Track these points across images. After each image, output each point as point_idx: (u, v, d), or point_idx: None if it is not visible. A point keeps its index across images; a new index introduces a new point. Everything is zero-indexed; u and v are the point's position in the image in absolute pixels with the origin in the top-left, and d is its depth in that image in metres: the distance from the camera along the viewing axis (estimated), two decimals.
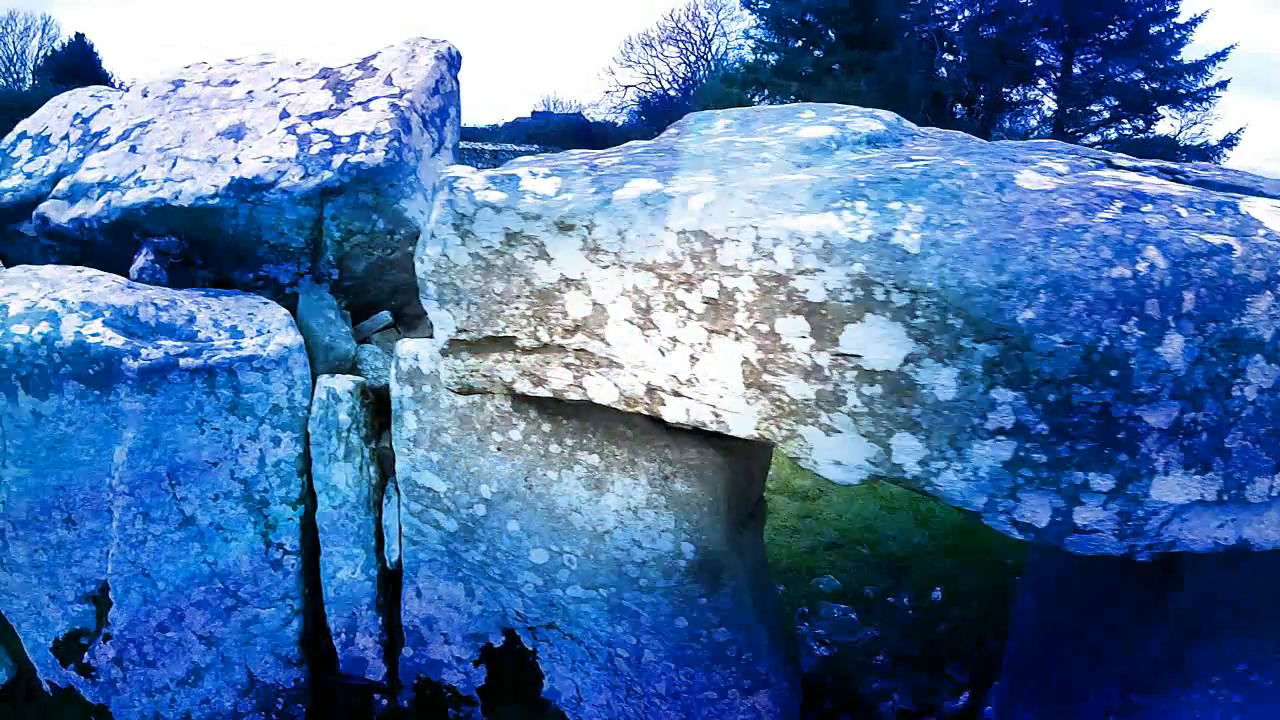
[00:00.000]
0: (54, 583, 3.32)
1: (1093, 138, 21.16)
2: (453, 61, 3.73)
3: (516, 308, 2.45)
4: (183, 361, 3.11)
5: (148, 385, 3.09)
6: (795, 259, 2.13)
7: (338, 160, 3.29)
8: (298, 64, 3.84)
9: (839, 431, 2.22)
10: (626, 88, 32.94)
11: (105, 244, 3.55)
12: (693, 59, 29.79)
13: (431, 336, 2.77)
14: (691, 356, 2.29)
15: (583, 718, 3.25)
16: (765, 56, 23.22)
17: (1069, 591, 3.11)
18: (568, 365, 2.48)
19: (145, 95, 3.88)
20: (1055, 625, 3.14)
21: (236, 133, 3.52)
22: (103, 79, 23.86)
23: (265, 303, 3.39)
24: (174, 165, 3.49)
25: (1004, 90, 20.77)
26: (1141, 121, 21.32)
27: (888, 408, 2.16)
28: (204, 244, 3.47)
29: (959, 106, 19.65)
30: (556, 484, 2.87)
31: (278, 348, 3.18)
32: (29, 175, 3.78)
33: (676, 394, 2.37)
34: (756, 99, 22.40)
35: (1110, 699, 2.76)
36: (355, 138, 3.34)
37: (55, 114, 4.04)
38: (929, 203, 2.15)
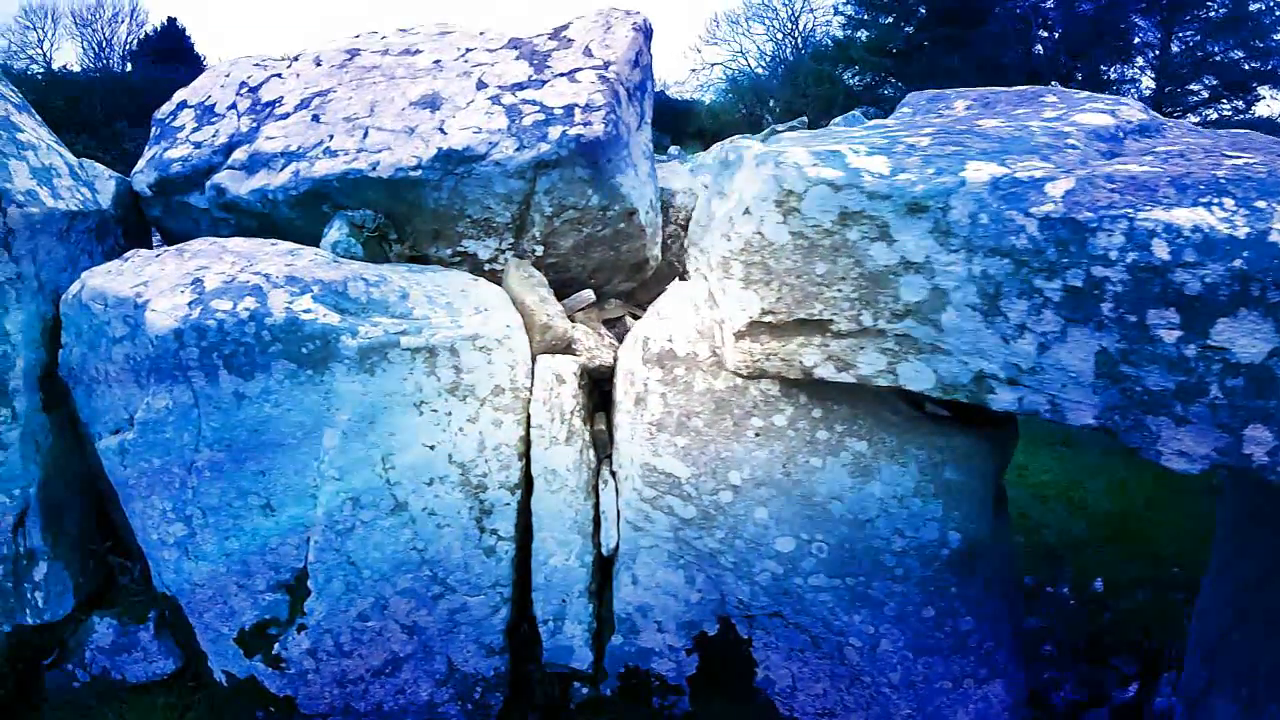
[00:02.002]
0: (245, 571, 3.14)
1: (1192, 118, 20.27)
2: (648, 33, 3.60)
3: (839, 290, 2.37)
4: (404, 340, 2.95)
5: (366, 365, 2.93)
6: (1173, 252, 2.11)
7: (554, 132, 3.15)
8: (481, 34, 3.66)
9: (1191, 423, 2.20)
10: (713, 65, 32.28)
11: (289, 216, 3.35)
12: (780, 36, 29.10)
13: (636, 317, 2.66)
14: (1041, 345, 2.25)
15: (794, 707, 3.21)
16: (855, 33, 22.58)
17: None
18: (884, 351, 2.42)
19: (319, 64, 3.66)
20: (1268, 612, 3.20)
21: (432, 102, 3.34)
22: (196, 61, 24.30)
23: (475, 279, 3.24)
24: (365, 135, 3.31)
25: (1102, 68, 20.00)
26: (1241, 102, 20.37)
27: (1246, 399, 2.16)
28: (400, 217, 3.30)
29: (1055, 84, 19.36)
30: (819, 471, 2.81)
31: (500, 326, 3.04)
32: (197, 145, 3.53)
33: (1012, 382, 2.33)
34: (848, 75, 21.83)
35: None
36: (569, 109, 3.21)
37: (217, 83, 3.78)
38: None
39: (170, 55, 23.46)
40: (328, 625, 3.14)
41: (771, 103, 24.78)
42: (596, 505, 3.15)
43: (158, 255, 3.26)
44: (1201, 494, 4.33)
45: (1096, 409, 2.27)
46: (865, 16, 22.62)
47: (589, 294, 3.41)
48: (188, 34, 25.61)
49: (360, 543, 3.05)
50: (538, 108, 3.23)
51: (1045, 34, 20.08)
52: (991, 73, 16.47)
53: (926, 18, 20.35)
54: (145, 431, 3.09)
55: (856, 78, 22.23)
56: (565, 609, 3.20)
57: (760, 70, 28.62)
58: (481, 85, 3.38)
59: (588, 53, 3.44)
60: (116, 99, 17.83)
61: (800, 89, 22.54)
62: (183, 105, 3.77)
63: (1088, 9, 19.39)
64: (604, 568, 3.23)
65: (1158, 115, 2.98)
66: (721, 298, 2.54)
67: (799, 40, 28.19)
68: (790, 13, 29.10)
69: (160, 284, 3.08)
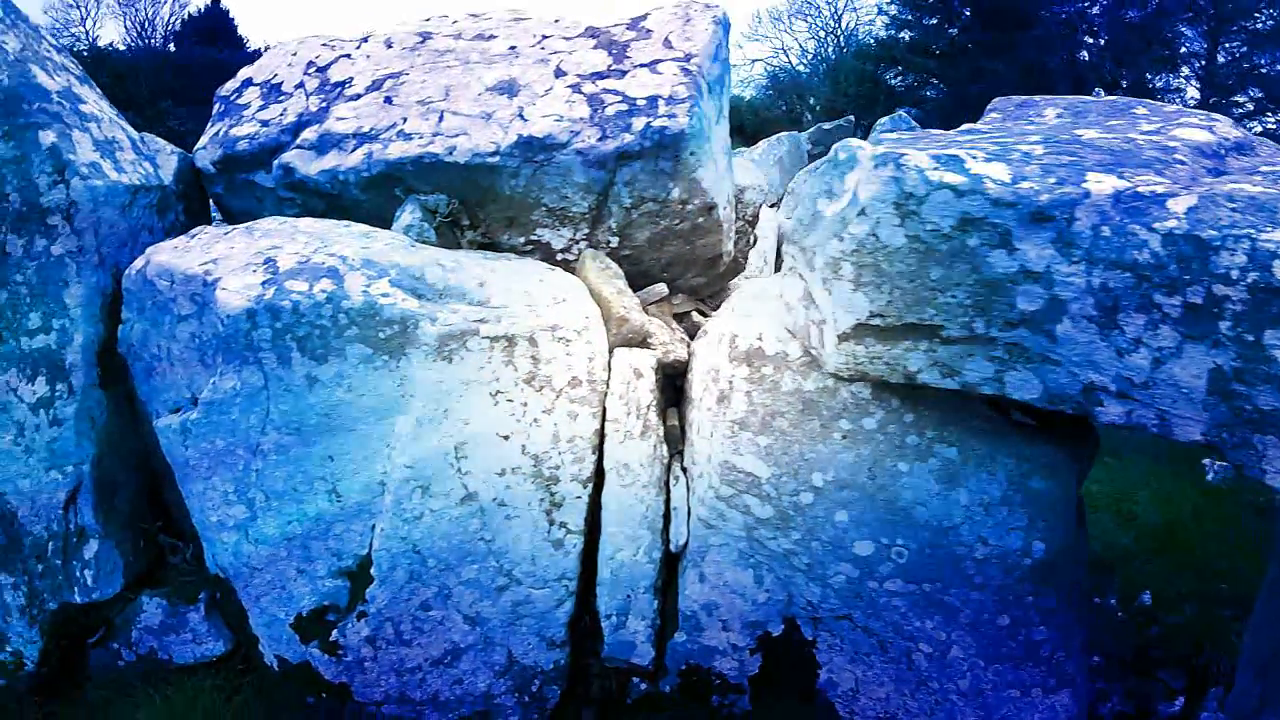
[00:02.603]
0: (306, 557, 3.09)
1: None
2: (726, 27, 3.56)
3: (953, 296, 2.35)
4: (484, 329, 2.91)
5: (445, 353, 2.89)
6: None
7: (638, 123, 3.11)
8: (555, 21, 3.60)
9: None
10: (754, 62, 31.94)
11: (358, 198, 3.29)
12: (822, 34, 28.80)
13: (714, 313, 2.62)
14: (1155, 359, 2.24)
15: (855, 710, 3.20)
16: (899, 33, 22.29)
17: None
18: (993, 359, 2.40)
19: (390, 46, 3.59)
20: None
21: (509, 89, 3.29)
22: (239, 43, 24.56)
23: (552, 269, 3.19)
24: (441, 119, 3.25)
25: (1147, 76, 19.76)
26: None
27: None
28: (474, 203, 3.25)
29: (1100, 91, 18.97)
30: (905, 476, 2.79)
31: (579, 317, 3.00)
32: (264, 123, 3.46)
33: (1122, 395, 2.31)
34: (890, 76, 21.56)
35: None
36: (652, 101, 3.16)
37: (283, 62, 3.70)
38: None
39: (213, 36, 23.64)
40: (389, 613, 3.10)
41: (812, 100, 24.58)
42: (667, 501, 3.11)
43: (226, 233, 3.19)
44: (1245, 509, 4.36)
45: (1204, 425, 2.26)
46: (909, 17, 22.32)
47: (662, 288, 3.37)
48: (231, 16, 25.89)
49: (427, 531, 3.01)
50: (620, 98, 3.18)
51: (1090, 40, 19.80)
52: (1036, 77, 16.27)
53: (971, 20, 20.10)
54: (210, 412, 3.03)
55: (899, 78, 21.98)
56: (630, 604, 3.17)
57: (802, 68, 28.39)
58: (560, 73, 3.33)
59: (668, 44, 3.40)
60: (161, 78, 17.72)
61: (842, 88, 22.38)
62: (248, 83, 3.69)
63: (1134, 16, 19.14)
64: (669, 564, 3.20)
65: (1248, 132, 2.98)
66: (825, 298, 2.51)
67: (841, 38, 27.94)
68: (833, 11, 28.87)
69: (231, 262, 3.01)
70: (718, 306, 3.82)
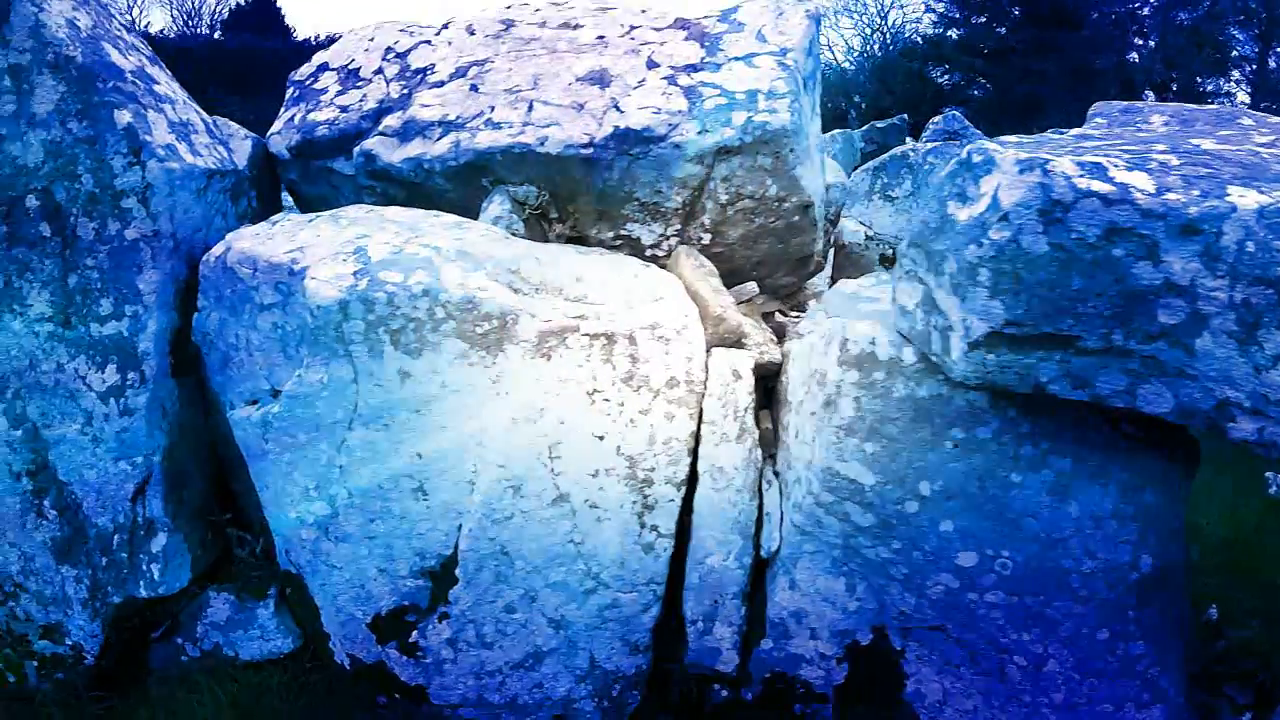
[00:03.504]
0: (388, 555, 3.01)
1: None
2: (818, 21, 3.49)
3: (1093, 307, 2.29)
4: (585, 325, 2.83)
5: (544, 350, 2.81)
6: None
7: (738, 118, 3.04)
8: (643, 11, 3.52)
9: None
10: None
11: (443, 187, 3.20)
12: (868, 31, 28.46)
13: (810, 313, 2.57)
14: None
15: None
16: (947, 31, 22.03)
17: None
18: (1128, 371, 2.34)
19: (472, 33, 3.49)
20: None
21: (600, 79, 3.20)
22: (286, 32, 24.72)
23: (647, 265, 3.12)
24: (530, 109, 3.16)
25: (1198, 80, 19.56)
26: None
27: None
28: (563, 196, 3.16)
29: (1149, 94, 18.65)
30: (1016, 487, 2.74)
31: (679, 316, 2.93)
32: (343, 109, 3.36)
33: (1256, 412, 2.26)
34: (937, 74, 21.26)
35: None
36: (751, 95, 3.09)
37: (360, 47, 3.60)
38: None
39: (261, 26, 23.72)
40: (472, 615, 3.02)
41: (857, 98, 24.34)
42: (760, 506, 3.05)
43: (310, 220, 3.10)
44: None
45: None
46: (957, 15, 22.00)
47: (753, 287, 3.30)
48: (278, 5, 25.89)
49: (517, 533, 2.94)
50: (719, 91, 3.10)
51: (1140, 42, 19.55)
52: (1085, 78, 16.13)
53: (1020, 19, 19.86)
54: (293, 405, 2.94)
55: (945, 77, 21.72)
56: (717, 610, 3.11)
57: (847, 65, 28.01)
58: (652, 64, 3.25)
59: (761, 38, 3.32)
60: (210, 66, 17.58)
61: (888, 86, 22.18)
62: (324, 68, 3.59)
63: (1185, 18, 18.92)
64: (757, 570, 3.15)
65: None
66: (953, 304, 2.45)
67: (887, 36, 27.59)
68: (880, 8, 28.50)
69: (318, 251, 2.92)
70: (796, 306, 3.75)
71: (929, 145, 6.65)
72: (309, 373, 2.90)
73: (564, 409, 2.85)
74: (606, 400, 2.87)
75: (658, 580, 3.05)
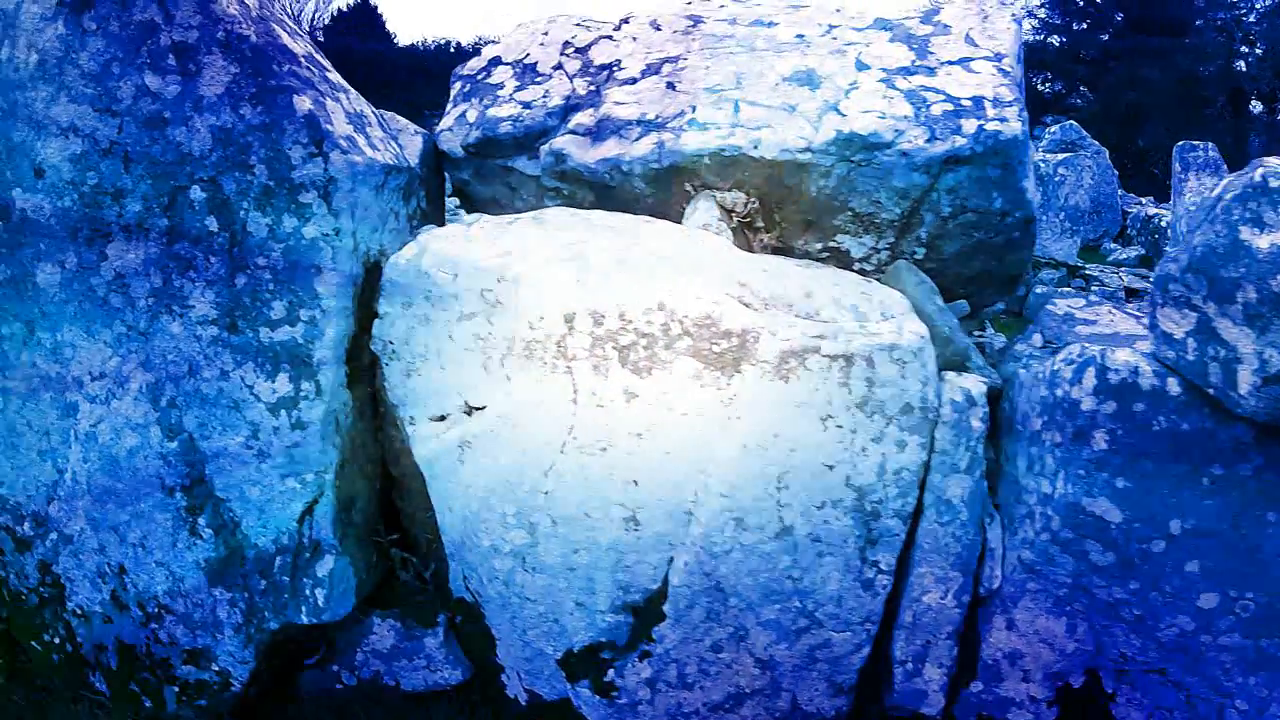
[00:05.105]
0: (588, 589, 2.79)
1: None
2: (1021, 25, 3.31)
3: None
4: (825, 346, 2.63)
5: (782, 371, 2.61)
6: None
7: (968, 125, 2.85)
8: (838, 10, 3.32)
9: None
10: None
11: (640, 191, 2.99)
12: None
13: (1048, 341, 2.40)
14: None
15: None
16: (1048, 37, 21.42)
17: None
18: None
19: (657, 28, 3.28)
20: None
21: (808, 79, 3.00)
22: (387, 37, 24.92)
23: (869, 281, 2.92)
24: (737, 109, 2.96)
25: None
26: None
27: None
28: (771, 203, 2.96)
29: (1256, 104, 18.08)
30: (1272, 526, 2.58)
31: (914, 337, 2.73)
32: (526, 105, 3.13)
33: None
34: (1038, 82, 20.65)
35: None
36: (977, 102, 2.90)
37: (534, 41, 3.37)
38: None
39: (363, 31, 24.01)
40: (677, 655, 2.82)
41: None
42: (984, 541, 2.87)
43: (510, 223, 2.88)
44: None
45: None
46: (1059, 21, 21.45)
47: (965, 305, 3.12)
48: (379, 10, 26.19)
49: (735, 567, 2.74)
50: (943, 97, 2.91)
51: (1247, 50, 19.05)
52: (1190, 87, 15.78)
53: (1123, 26, 19.42)
54: (499, 424, 2.72)
55: (1047, 85, 21.30)
56: (928, 650, 2.93)
57: None
58: (862, 66, 3.05)
59: (970, 41, 3.14)
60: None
61: None
62: (496, 61, 3.36)
63: None
64: (971, 608, 2.97)
65: None
66: (1244, 335, 2.29)
67: None
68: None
69: (531, 257, 2.70)
70: (980, 326, 3.58)
71: (1059, 156, 6.50)
72: (519, 389, 2.67)
73: (796, 436, 2.65)
74: (839, 427, 2.68)
75: (873, 619, 2.86)
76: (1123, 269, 4.88)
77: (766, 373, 2.59)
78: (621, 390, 2.60)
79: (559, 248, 2.70)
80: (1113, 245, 6.62)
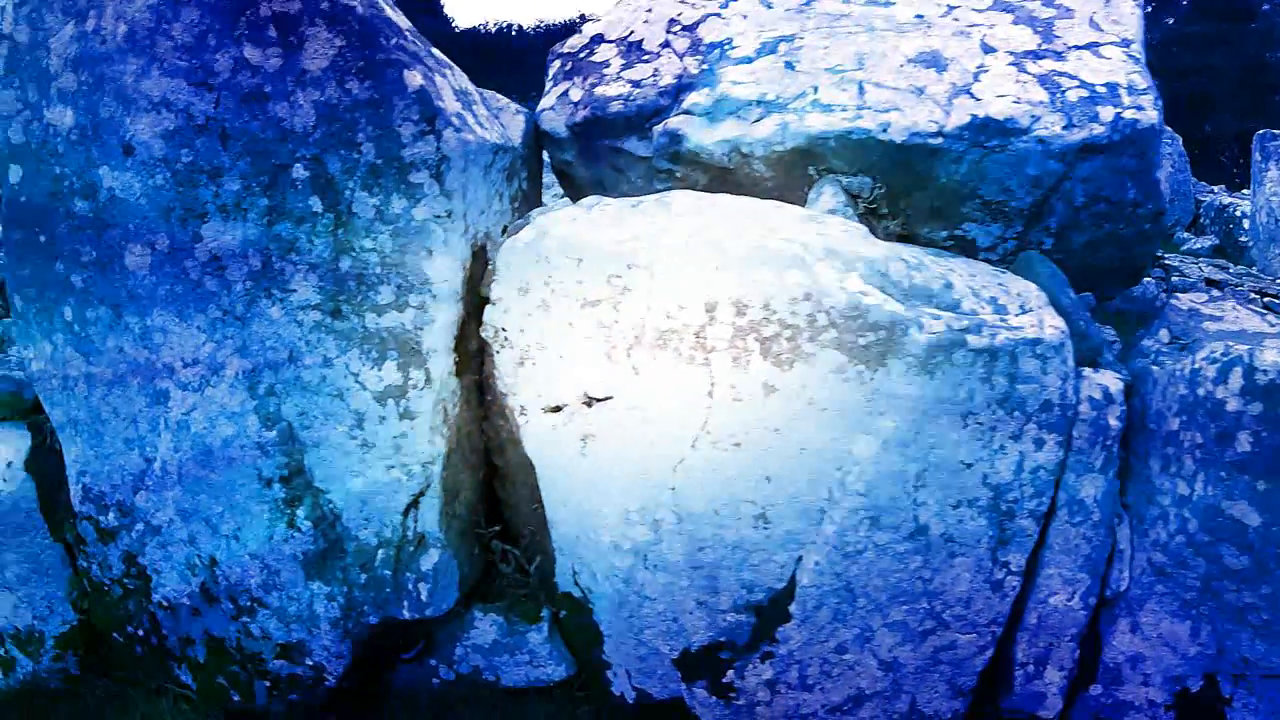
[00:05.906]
0: (711, 588, 2.70)
1: None
2: (1144, 9, 3.21)
3: None
4: (971, 340, 2.54)
5: (929, 366, 2.51)
6: None
7: (1105, 113, 2.75)
8: None
9: None
10: None
11: (760, 175, 2.88)
12: None
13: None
14: None
15: None
16: None
17: None
18: None
19: (769, 7, 3.15)
20: None
21: (934, 61, 2.89)
22: (439, 12, 23.35)
23: (1003, 271, 2.83)
24: (861, 91, 2.84)
25: None
26: None
27: None
28: (897, 189, 2.86)
29: None
30: None
31: (1055, 332, 2.64)
32: (635, 84, 3.00)
33: None
34: None
35: None
36: (1112, 88, 2.80)
37: (637, 18, 3.23)
38: None
39: (416, 9, 23.29)
40: (800, 655, 2.74)
41: None
42: (1114, 542, 2.80)
43: (634, 205, 2.76)
44: None
45: None
46: None
47: (1090, 298, 3.03)
48: None
49: (866, 568, 2.65)
50: (1077, 82, 2.81)
51: None
52: (1258, 74, 15.44)
53: (1189, 11, 18.95)
54: (626, 416, 2.62)
55: None
56: (1050, 652, 2.87)
57: None
58: (988, 48, 2.95)
59: (1094, 25, 3.03)
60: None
61: None
62: (599, 39, 3.23)
63: None
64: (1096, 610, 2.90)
65: None
66: None
67: None
68: None
69: (663, 242, 2.60)
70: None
71: None
72: (648, 380, 2.57)
73: (937, 433, 2.57)
74: (979, 424, 2.59)
75: (999, 621, 2.79)
76: (1201, 260, 4.80)
77: (913, 366, 2.49)
78: (761, 383, 2.50)
79: (691, 233, 2.59)
80: (1185, 235, 6.56)
